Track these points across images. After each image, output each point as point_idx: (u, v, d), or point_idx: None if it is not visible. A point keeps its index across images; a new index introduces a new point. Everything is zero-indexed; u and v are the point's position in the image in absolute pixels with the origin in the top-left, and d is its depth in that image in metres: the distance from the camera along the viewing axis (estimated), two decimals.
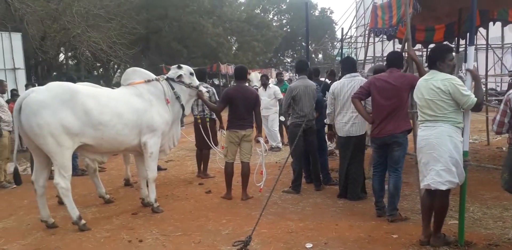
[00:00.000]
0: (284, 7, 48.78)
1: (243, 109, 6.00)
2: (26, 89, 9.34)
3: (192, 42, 28.86)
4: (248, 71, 9.74)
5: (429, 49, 9.56)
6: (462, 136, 3.97)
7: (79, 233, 4.86)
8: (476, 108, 3.89)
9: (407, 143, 4.90)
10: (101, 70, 34.95)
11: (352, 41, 23.61)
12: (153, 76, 5.74)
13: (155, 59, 30.05)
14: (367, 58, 13.04)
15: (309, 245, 4.23)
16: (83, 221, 4.99)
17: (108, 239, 4.66)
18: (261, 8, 45.70)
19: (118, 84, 13.24)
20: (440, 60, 3.99)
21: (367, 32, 19.99)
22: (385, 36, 9.94)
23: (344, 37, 18.42)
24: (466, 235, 4.13)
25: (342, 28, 18.02)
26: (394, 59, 5.00)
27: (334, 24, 46.74)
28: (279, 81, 11.49)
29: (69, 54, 27.11)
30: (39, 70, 24.11)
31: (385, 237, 4.39)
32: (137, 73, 5.73)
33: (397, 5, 7.82)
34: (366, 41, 17.06)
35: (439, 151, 3.82)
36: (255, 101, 6.10)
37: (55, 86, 4.96)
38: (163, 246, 4.42)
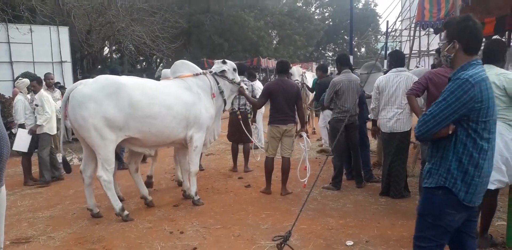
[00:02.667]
0: (326, 0, 48.18)
1: (284, 104, 5.93)
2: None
3: (233, 36, 28.92)
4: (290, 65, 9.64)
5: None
6: None
7: (123, 223, 4.98)
8: None
9: None
10: (144, 64, 35.71)
11: (397, 34, 23.15)
12: (200, 70, 5.77)
13: (196, 53, 30.36)
14: (412, 52, 12.72)
15: (349, 243, 4.17)
16: (126, 212, 5.07)
17: (150, 230, 4.75)
18: (303, 1, 45.28)
19: (159, 78, 13.47)
20: (495, 56, 3.83)
21: (412, 25, 19.53)
22: (431, 30, 9.67)
23: (389, 30, 18.03)
24: None
25: (387, 21, 17.59)
26: None
27: (378, 17, 45.79)
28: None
29: (113, 48, 27.71)
30: (85, 64, 24.84)
31: None
32: (186, 66, 5.75)
33: None
34: (412, 34, 16.68)
35: None
36: (297, 95, 6.01)
37: (101, 79, 5.03)
38: (203, 238, 4.47)
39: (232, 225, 4.82)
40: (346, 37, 47.47)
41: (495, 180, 3.69)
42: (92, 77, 5.85)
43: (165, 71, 6.74)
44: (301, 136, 6.21)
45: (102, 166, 4.91)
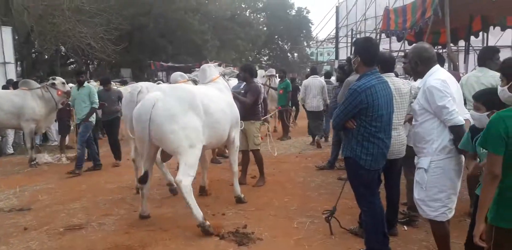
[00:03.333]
0: (260, 5, 49.42)
1: (263, 102, 6.91)
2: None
3: (177, 39, 29.20)
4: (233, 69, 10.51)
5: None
6: None
7: (163, 210, 5.44)
8: None
9: None
10: (74, 65, 34.64)
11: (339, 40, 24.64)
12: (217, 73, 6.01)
13: (139, 55, 30.20)
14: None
15: None
16: (206, 223, 4.60)
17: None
18: (236, 5, 46.27)
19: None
20: (489, 59, 4.77)
21: (349, 33, 20.89)
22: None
23: (328, 37, 19.05)
24: None
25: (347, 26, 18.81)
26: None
27: (310, 24, 47.75)
28: (281, 78, 12.10)
29: (55, 48, 26.87)
30: (25, 65, 23.98)
31: None
32: (212, 70, 5.93)
33: (412, 11, 8.63)
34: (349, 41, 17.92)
35: None
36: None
37: (174, 90, 5.01)
38: (246, 218, 5.06)
39: (264, 208, 5.44)
40: (280, 42, 49.09)
41: None
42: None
43: (175, 76, 7.21)
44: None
45: (185, 171, 4.62)
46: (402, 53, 11.64)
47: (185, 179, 4.57)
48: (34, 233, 4.76)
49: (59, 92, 9.10)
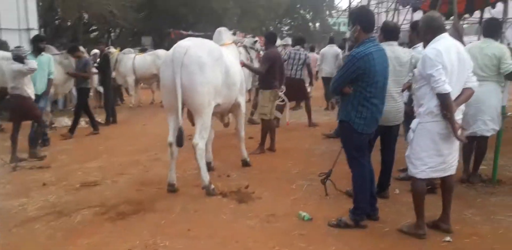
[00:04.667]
0: None
1: (278, 70, 6.71)
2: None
3: (197, 7, 29.09)
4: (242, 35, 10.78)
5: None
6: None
7: (178, 170, 5.61)
8: (510, 76, 4.79)
9: None
10: (97, 33, 34.90)
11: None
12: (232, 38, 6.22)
13: (159, 24, 30.27)
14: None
15: None
16: (212, 186, 4.89)
17: (200, 175, 5.56)
18: None
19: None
20: (494, 31, 4.90)
21: (373, 2, 20.59)
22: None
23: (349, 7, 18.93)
24: None
25: None
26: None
27: None
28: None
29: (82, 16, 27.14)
30: (48, 32, 24.38)
31: None
32: (227, 35, 6.03)
33: None
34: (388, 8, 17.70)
35: (487, 105, 4.76)
36: (283, 63, 6.97)
37: (206, 43, 5.04)
38: (249, 179, 5.37)
39: (267, 171, 5.76)
40: (302, 11, 48.36)
41: (491, 128, 4.82)
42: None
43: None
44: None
45: (200, 133, 4.77)
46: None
47: (201, 142, 4.78)
48: (53, 188, 5.20)
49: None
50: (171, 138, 4.89)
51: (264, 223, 4.08)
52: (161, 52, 12.81)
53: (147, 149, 7.18)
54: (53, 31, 24.69)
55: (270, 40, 6.98)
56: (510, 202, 4.49)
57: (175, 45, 4.89)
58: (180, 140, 4.70)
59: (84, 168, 6.09)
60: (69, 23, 26.42)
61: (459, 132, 3.53)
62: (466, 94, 3.64)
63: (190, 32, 27.21)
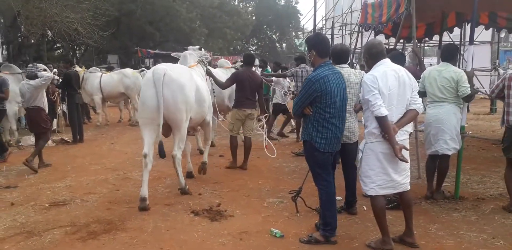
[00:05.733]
0: None
1: (249, 91, 6.86)
2: None
3: (165, 26, 29.27)
4: (219, 57, 11.07)
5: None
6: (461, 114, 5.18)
7: (148, 189, 5.73)
8: (468, 98, 5.08)
9: None
10: (61, 51, 34.47)
11: (323, 32, 24.92)
12: (197, 59, 6.55)
13: (126, 42, 30.23)
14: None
15: (339, 198, 5.28)
16: (187, 187, 5.60)
17: (170, 193, 5.64)
18: None
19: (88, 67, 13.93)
20: (452, 56, 5.19)
21: (335, 24, 21.15)
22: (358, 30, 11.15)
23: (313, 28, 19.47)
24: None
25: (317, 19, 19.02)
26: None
27: (298, 15, 47.99)
28: (262, 68, 12.48)
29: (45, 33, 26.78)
30: (11, 49, 23.94)
31: None
32: (192, 57, 6.50)
33: (388, 5, 8.95)
34: (332, 33, 18.22)
35: (447, 125, 5.01)
36: (260, 85, 6.98)
37: (178, 67, 5.63)
38: (221, 197, 5.44)
39: (238, 189, 5.82)
40: (268, 32, 49.27)
41: (452, 147, 5.06)
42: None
43: (221, 62, 8.02)
44: (260, 120, 7.20)
45: (178, 145, 5.38)
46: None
47: (179, 152, 5.43)
48: (21, 208, 5.10)
49: None
50: (146, 149, 5.14)
51: (237, 241, 4.13)
52: (128, 71, 12.81)
53: (115, 167, 7.15)
54: (16, 49, 24.21)
55: (244, 61, 7.22)
56: (472, 217, 4.69)
57: (153, 68, 5.39)
58: (162, 152, 5.19)
59: (52, 187, 6.00)
60: (32, 41, 26.03)
61: (403, 151, 3.70)
62: (409, 115, 3.84)
63: (157, 51, 27.30)
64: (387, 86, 3.70)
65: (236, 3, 47.73)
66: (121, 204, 5.21)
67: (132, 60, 31.30)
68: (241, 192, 5.69)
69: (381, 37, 12.84)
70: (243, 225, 4.52)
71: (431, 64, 7.06)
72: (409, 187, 3.94)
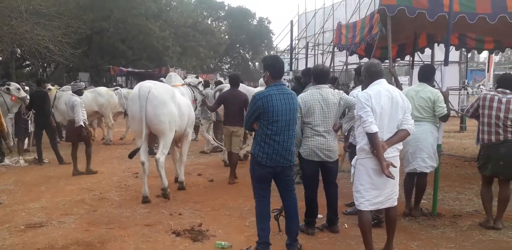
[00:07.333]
0: (222, 14, 50.01)
1: (235, 109, 7.20)
2: None
3: (138, 44, 29.24)
4: (184, 74, 11.67)
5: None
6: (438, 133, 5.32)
7: (121, 210, 5.70)
8: (444, 118, 5.24)
9: None
10: (31, 68, 33.88)
11: (296, 52, 25.30)
12: (183, 81, 7.36)
13: (98, 60, 30.00)
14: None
15: (320, 216, 5.32)
16: (168, 190, 6.22)
17: (150, 213, 5.55)
18: (198, 13, 46.66)
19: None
20: (429, 77, 5.36)
21: (310, 44, 21.49)
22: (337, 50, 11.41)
23: (287, 48, 19.71)
24: None
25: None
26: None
27: (271, 34, 48.70)
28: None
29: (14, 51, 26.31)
30: None
31: None
32: (177, 78, 7.36)
33: (361, 26, 9.20)
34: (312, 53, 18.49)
35: (425, 143, 5.12)
36: (244, 103, 7.17)
37: (160, 85, 6.34)
38: (202, 217, 5.39)
39: (219, 208, 5.78)
40: (241, 51, 49.78)
41: (430, 165, 5.17)
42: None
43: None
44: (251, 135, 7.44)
45: (162, 151, 6.12)
46: (355, 66, 12.42)
47: (162, 156, 6.10)
48: None
49: (13, 98, 9.16)
50: (143, 158, 6.08)
51: None
52: (102, 89, 12.64)
53: (91, 187, 7.01)
54: None
55: (230, 82, 7.72)
56: (450, 234, 4.78)
57: (139, 86, 6.19)
58: (132, 155, 6.08)
59: (28, 208, 5.83)
60: (0, 58, 25.56)
61: (391, 168, 3.80)
62: (400, 135, 3.96)
63: (130, 69, 27.19)
64: (379, 105, 3.84)
65: (209, 22, 48.16)
66: (100, 225, 5.10)
67: (103, 78, 31.02)
68: (222, 211, 5.65)
69: (352, 58, 13.21)
70: None
71: (402, 84, 7.21)
72: (396, 203, 4.02)
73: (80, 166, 8.13)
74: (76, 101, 7.90)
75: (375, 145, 3.78)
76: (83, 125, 7.91)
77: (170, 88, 6.48)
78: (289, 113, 4.09)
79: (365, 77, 4.17)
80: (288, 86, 8.22)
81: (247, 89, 8.43)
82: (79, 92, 8.24)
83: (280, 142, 4.07)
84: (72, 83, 8.63)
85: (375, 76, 4.05)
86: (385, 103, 3.86)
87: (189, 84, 7.44)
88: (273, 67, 4.19)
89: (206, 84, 10.65)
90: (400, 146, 4.06)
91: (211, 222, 5.18)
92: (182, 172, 6.92)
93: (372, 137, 3.78)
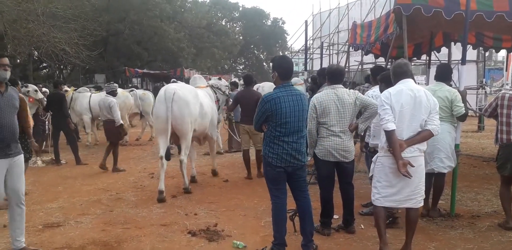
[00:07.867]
0: (236, 15, 50.06)
1: (249, 108, 7.19)
2: None
3: (153, 46, 29.37)
4: (208, 77, 11.98)
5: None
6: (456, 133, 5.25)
7: (137, 210, 5.74)
8: (462, 118, 5.17)
9: None
10: (48, 70, 34.31)
11: (311, 52, 25.20)
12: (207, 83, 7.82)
13: (113, 62, 30.24)
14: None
15: (336, 216, 5.28)
16: (190, 187, 6.69)
17: (166, 213, 5.57)
18: (213, 14, 46.78)
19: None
20: (446, 76, 5.29)
21: (324, 44, 21.40)
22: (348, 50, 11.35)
23: (302, 48, 19.65)
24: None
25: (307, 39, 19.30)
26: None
27: (285, 34, 48.60)
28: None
29: (32, 53, 26.70)
30: None
31: None
32: (202, 80, 7.91)
33: (376, 26, 9.13)
34: (328, 53, 18.43)
35: (442, 143, 5.06)
36: (256, 102, 7.20)
37: (184, 86, 6.92)
38: (217, 217, 5.39)
39: (234, 208, 5.78)
40: (256, 52, 49.77)
41: (448, 165, 5.10)
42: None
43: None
44: None
45: (185, 151, 6.52)
46: (371, 65, 12.33)
47: (185, 157, 6.53)
48: None
49: (31, 100, 9.26)
50: (162, 152, 6.28)
51: None
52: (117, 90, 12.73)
53: (107, 188, 7.07)
54: None
55: (244, 82, 8.00)
56: (469, 234, 4.71)
57: (165, 88, 6.56)
58: (168, 156, 6.31)
59: (45, 208, 5.91)
60: (18, 60, 25.91)
61: (409, 168, 3.78)
62: (422, 135, 3.94)
63: (145, 70, 27.34)
64: (399, 103, 3.86)
65: (224, 23, 48.25)
66: (116, 225, 5.14)
67: (119, 79, 31.24)
68: (237, 212, 5.65)
69: (368, 57, 13.11)
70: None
71: (418, 83, 7.12)
72: (419, 205, 4.02)
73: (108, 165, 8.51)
74: (113, 102, 8.30)
75: (391, 143, 3.80)
76: (122, 123, 8.41)
77: (193, 89, 6.90)
78: (298, 115, 4.08)
79: (392, 76, 4.23)
80: (304, 87, 8.31)
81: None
82: (113, 93, 8.64)
83: (289, 142, 4.06)
84: (106, 85, 9.16)
85: (400, 76, 4.10)
86: (406, 102, 3.87)
87: (212, 86, 7.91)
88: (281, 68, 4.16)
89: (235, 85, 10.97)
90: (423, 146, 4.01)
91: (227, 222, 5.18)
92: (215, 163, 7.93)
93: (388, 135, 3.80)
